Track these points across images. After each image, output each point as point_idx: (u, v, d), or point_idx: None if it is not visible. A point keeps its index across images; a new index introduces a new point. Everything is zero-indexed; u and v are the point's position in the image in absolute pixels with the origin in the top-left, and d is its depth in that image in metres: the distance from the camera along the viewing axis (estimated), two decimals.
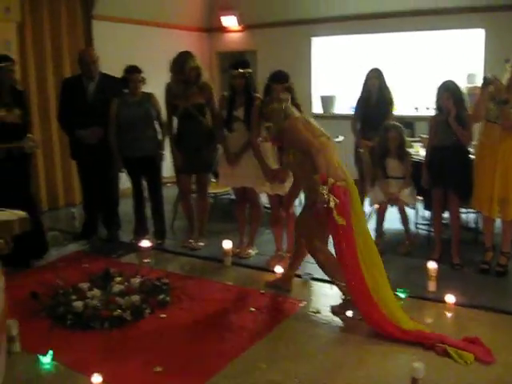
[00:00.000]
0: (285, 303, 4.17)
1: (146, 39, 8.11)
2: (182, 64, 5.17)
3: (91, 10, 7.44)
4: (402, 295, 4.15)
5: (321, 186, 3.60)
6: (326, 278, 4.47)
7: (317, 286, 4.52)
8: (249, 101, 4.93)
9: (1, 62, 4.82)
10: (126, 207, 6.10)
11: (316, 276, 4.59)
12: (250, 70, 4.96)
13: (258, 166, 4.86)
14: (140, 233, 5.76)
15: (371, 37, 8.13)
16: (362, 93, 5.87)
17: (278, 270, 4.71)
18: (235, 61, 5.13)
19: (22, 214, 2.80)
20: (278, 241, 5.15)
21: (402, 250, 5.24)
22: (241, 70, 4.90)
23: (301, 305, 4.14)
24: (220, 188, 6.09)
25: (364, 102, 5.84)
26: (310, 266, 4.68)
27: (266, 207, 6.03)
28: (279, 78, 4.65)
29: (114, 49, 7.42)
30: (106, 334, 3.72)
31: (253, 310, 4.04)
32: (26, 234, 4.88)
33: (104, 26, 7.56)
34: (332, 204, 3.58)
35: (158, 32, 8.40)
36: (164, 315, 4.01)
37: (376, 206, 5.47)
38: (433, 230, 5.30)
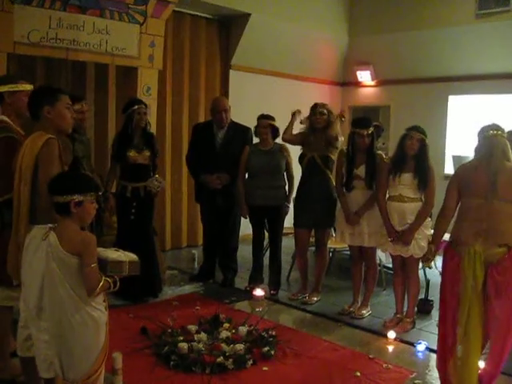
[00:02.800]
0: (393, 372, 3.88)
1: (280, 90, 8.31)
2: (313, 109, 5.23)
3: (230, 60, 7.76)
4: None
5: None
6: None
7: (432, 357, 4.17)
8: (370, 159, 4.82)
9: (134, 105, 5.11)
10: (244, 253, 6.14)
11: (433, 347, 4.27)
12: (372, 128, 4.85)
13: (380, 225, 4.70)
14: (255, 281, 5.73)
15: (510, 97, 7.71)
16: None
17: (391, 335, 4.44)
18: (357, 118, 5.06)
19: (134, 257, 2.85)
20: (398, 302, 4.87)
21: None
22: (369, 131, 4.79)
23: (411, 376, 3.83)
24: (339, 243, 5.95)
25: None
26: (430, 336, 4.46)
27: (386, 267, 5.82)
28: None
29: (249, 98, 7.69)
30: (206, 380, 3.67)
31: (358, 374, 3.80)
32: (143, 270, 5.14)
33: (240, 76, 7.86)
34: None
35: (293, 84, 8.57)
36: (266, 368, 3.89)
37: None
38: None
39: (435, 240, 3.84)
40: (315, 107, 5.27)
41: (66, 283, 2.60)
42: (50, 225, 2.73)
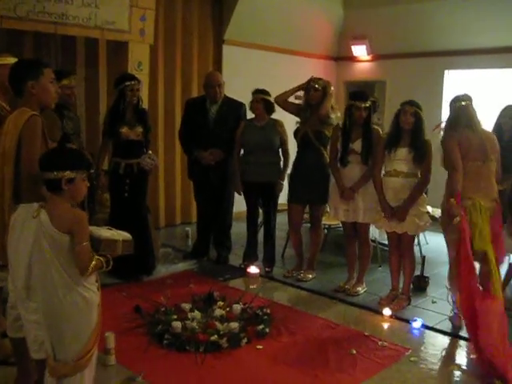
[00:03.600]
0: (389, 349, 3.84)
1: (274, 65, 8.18)
2: (307, 85, 5.14)
3: (223, 34, 7.62)
4: None
5: None
6: (439, 327, 4.23)
7: (428, 335, 4.16)
8: (367, 133, 4.73)
9: (126, 81, 5.00)
10: (239, 230, 6.08)
11: (428, 324, 4.27)
12: (370, 102, 4.75)
13: (375, 201, 4.65)
14: (250, 258, 5.69)
15: (508, 72, 7.61)
16: (494, 131, 5.43)
17: (386, 312, 4.41)
18: (355, 91, 4.95)
19: (127, 236, 2.77)
20: (394, 279, 4.83)
21: None
22: (366, 105, 4.70)
23: (406, 353, 3.80)
24: (334, 220, 5.89)
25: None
26: (425, 313, 4.46)
27: (381, 244, 5.77)
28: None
29: (242, 73, 7.56)
30: (200, 359, 3.63)
31: (354, 352, 3.77)
32: (136, 249, 5.08)
33: (234, 50, 7.73)
34: None
35: (287, 59, 8.44)
36: (261, 346, 3.85)
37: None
38: None
39: (455, 194, 3.87)
40: (309, 82, 5.17)
41: (58, 263, 2.53)
42: (40, 202, 2.66)
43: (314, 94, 5.11)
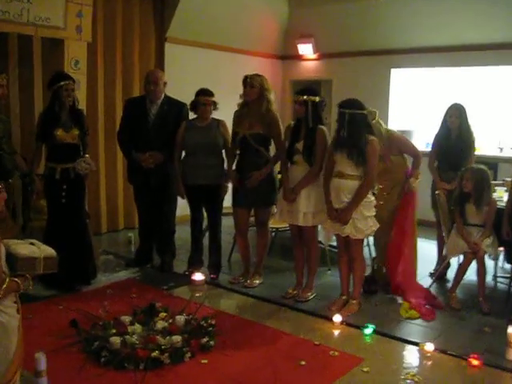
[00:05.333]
0: (340, 359, 3.69)
1: (218, 64, 7.99)
2: (243, 82, 4.92)
3: (165, 32, 7.37)
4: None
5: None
6: (391, 333, 4.12)
7: (380, 341, 4.02)
8: (310, 132, 4.58)
9: (60, 81, 4.71)
10: (184, 235, 5.85)
11: (381, 330, 4.15)
12: (315, 99, 4.56)
13: (320, 203, 4.53)
14: (195, 264, 5.47)
15: (453, 70, 7.65)
16: (441, 129, 5.39)
17: (337, 319, 4.27)
18: (302, 87, 4.79)
19: (50, 252, 2.52)
20: (344, 284, 4.69)
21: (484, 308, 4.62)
22: (304, 97, 4.54)
23: (359, 363, 3.64)
24: (281, 223, 5.72)
25: (442, 140, 5.36)
26: (376, 317, 4.34)
27: (331, 245, 5.64)
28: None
29: (186, 72, 7.37)
30: (140, 377, 3.39)
31: (303, 363, 3.60)
32: (75, 257, 4.81)
33: (177, 48, 7.49)
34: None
35: (232, 57, 8.24)
36: (205, 361, 3.63)
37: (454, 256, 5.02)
38: None
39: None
40: (245, 79, 4.95)
41: None
42: None
43: (250, 90, 4.91)
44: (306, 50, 8.89)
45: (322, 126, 4.58)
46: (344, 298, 4.63)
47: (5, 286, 2.28)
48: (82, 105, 6.08)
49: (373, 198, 4.44)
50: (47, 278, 4.68)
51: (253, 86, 4.89)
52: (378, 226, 4.43)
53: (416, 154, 4.95)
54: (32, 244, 2.54)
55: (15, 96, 5.99)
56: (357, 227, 4.33)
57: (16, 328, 2.41)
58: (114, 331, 3.86)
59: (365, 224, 4.33)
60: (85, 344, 3.76)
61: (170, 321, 4.07)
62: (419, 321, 4.40)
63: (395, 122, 8.23)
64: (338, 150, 4.34)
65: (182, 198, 5.39)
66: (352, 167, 4.29)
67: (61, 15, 5.75)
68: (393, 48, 7.91)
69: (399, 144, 4.93)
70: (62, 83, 4.71)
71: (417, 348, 3.87)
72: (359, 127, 4.26)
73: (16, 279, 2.35)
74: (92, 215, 6.62)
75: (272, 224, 5.59)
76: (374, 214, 4.40)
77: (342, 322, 4.27)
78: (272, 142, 5.06)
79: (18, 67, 6.05)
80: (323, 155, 4.51)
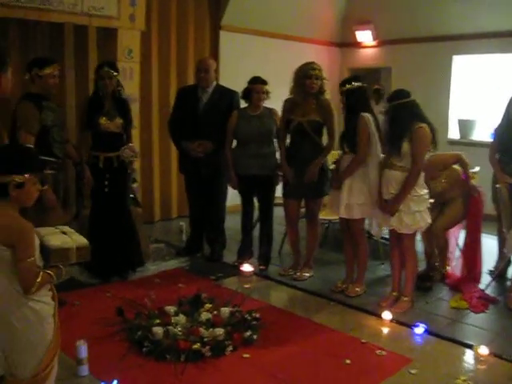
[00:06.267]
0: (387, 359, 3.53)
1: (273, 52, 7.85)
2: (306, 71, 4.75)
3: (220, 20, 7.30)
4: None
5: None
6: (443, 333, 3.90)
7: (431, 341, 3.83)
8: (350, 120, 4.47)
9: (103, 69, 4.71)
10: (235, 225, 5.77)
11: (433, 330, 3.94)
12: (351, 87, 4.46)
13: (361, 193, 4.45)
14: (244, 255, 5.40)
15: None
16: (503, 120, 5.07)
17: (386, 316, 4.11)
18: (347, 77, 4.63)
19: (83, 242, 2.48)
20: (395, 279, 4.51)
21: None
22: (343, 88, 4.46)
23: (406, 364, 3.46)
24: (333, 214, 5.56)
25: (504, 131, 5.04)
26: (428, 317, 4.13)
27: (384, 238, 5.45)
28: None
29: (240, 61, 7.29)
30: (180, 369, 3.35)
31: (348, 362, 3.47)
32: (119, 245, 4.83)
33: (231, 36, 7.41)
34: None
35: (287, 45, 8.08)
36: (247, 355, 3.55)
37: None
38: None
39: None
40: (309, 69, 4.75)
41: (4, 277, 2.26)
42: None
43: (315, 82, 4.76)
44: (364, 36, 8.64)
45: (365, 114, 4.41)
46: (395, 294, 4.44)
47: (39, 279, 2.26)
48: (135, 93, 6.13)
49: (424, 192, 4.20)
50: (92, 266, 4.75)
51: (317, 78, 4.76)
52: (429, 222, 4.23)
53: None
54: (64, 233, 2.51)
55: (71, 85, 6.07)
56: (402, 221, 4.15)
57: (51, 315, 2.38)
58: (158, 321, 3.84)
59: (412, 219, 4.13)
60: (128, 333, 3.76)
61: (215, 312, 4.01)
62: (473, 322, 4.16)
63: (457, 111, 7.90)
64: (387, 140, 4.22)
65: (234, 188, 5.32)
66: (399, 158, 4.12)
67: (114, 4, 5.77)
68: (455, 33, 7.54)
69: None
70: (106, 70, 4.71)
71: (470, 351, 3.64)
72: (400, 117, 4.10)
73: (49, 271, 2.32)
74: (145, 204, 6.70)
75: (324, 216, 5.45)
76: (423, 209, 4.19)
77: (391, 320, 4.10)
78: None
79: (73, 57, 6.13)
80: (366, 143, 4.37)
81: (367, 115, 4.41)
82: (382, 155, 4.40)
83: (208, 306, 4.14)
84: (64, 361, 3.36)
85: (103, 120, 4.70)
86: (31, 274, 2.26)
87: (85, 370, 3.29)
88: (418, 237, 4.68)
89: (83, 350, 3.27)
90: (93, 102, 4.79)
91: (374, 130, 4.39)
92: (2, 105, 4.78)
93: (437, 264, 4.99)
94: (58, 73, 4.59)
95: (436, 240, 4.91)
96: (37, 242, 2.35)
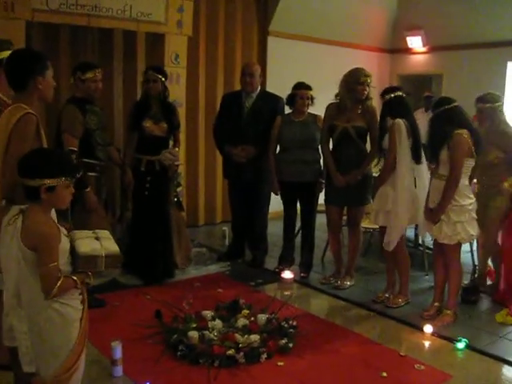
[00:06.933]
0: (426, 374, 3.42)
1: (321, 58, 7.79)
2: (358, 77, 4.70)
3: (267, 25, 7.30)
4: None
5: None
6: (486, 350, 3.76)
7: (473, 357, 3.69)
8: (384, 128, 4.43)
9: (148, 72, 4.78)
10: (276, 231, 5.74)
11: (475, 345, 3.80)
12: (384, 97, 4.42)
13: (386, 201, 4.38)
14: (286, 262, 5.36)
15: None
16: None
17: (428, 329, 3.99)
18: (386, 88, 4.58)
19: (113, 249, 2.48)
20: (437, 290, 4.38)
21: None
22: (391, 95, 4.37)
23: (446, 380, 3.35)
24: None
25: None
26: (472, 331, 3.99)
27: (429, 248, 5.32)
28: None
29: (287, 66, 7.26)
30: (213, 374, 3.33)
31: (385, 375, 3.37)
32: (156, 251, 4.85)
33: (279, 42, 7.40)
34: None
35: (335, 51, 8.01)
36: (282, 363, 3.51)
37: None
38: None
39: None
40: (361, 75, 4.70)
41: (31, 277, 2.30)
42: (22, 206, 2.42)
43: (366, 89, 4.71)
44: (415, 42, 8.48)
45: (397, 120, 4.31)
46: (436, 304, 4.31)
47: (58, 284, 2.27)
48: (182, 98, 6.18)
49: (466, 202, 4.04)
50: (133, 268, 4.81)
51: (368, 85, 4.72)
52: (473, 234, 4.09)
53: None
54: (97, 239, 2.52)
55: (119, 90, 6.18)
56: (442, 230, 4.03)
57: (77, 320, 2.40)
58: (195, 325, 3.85)
59: (452, 229, 4.00)
60: (165, 336, 3.77)
61: (252, 319, 3.99)
62: None
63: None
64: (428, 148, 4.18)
65: (276, 194, 5.29)
66: (441, 166, 4.03)
67: (162, 10, 5.84)
68: (510, 39, 7.32)
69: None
70: (150, 73, 4.79)
71: None
72: (439, 124, 4.04)
73: (74, 277, 2.35)
74: (190, 208, 6.76)
75: (367, 224, 5.36)
76: (465, 220, 4.03)
77: (432, 333, 3.97)
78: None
79: (122, 61, 6.24)
80: (394, 149, 4.29)
81: (399, 121, 4.32)
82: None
83: (245, 312, 4.11)
84: (100, 360, 3.44)
85: (149, 123, 4.76)
86: (51, 278, 2.28)
87: (119, 370, 3.32)
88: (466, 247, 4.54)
89: (118, 350, 3.30)
90: (140, 105, 4.88)
91: (404, 136, 4.30)
92: (50, 109, 4.90)
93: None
94: (100, 77, 4.68)
95: (489, 240, 4.73)
96: (66, 246, 2.38)
